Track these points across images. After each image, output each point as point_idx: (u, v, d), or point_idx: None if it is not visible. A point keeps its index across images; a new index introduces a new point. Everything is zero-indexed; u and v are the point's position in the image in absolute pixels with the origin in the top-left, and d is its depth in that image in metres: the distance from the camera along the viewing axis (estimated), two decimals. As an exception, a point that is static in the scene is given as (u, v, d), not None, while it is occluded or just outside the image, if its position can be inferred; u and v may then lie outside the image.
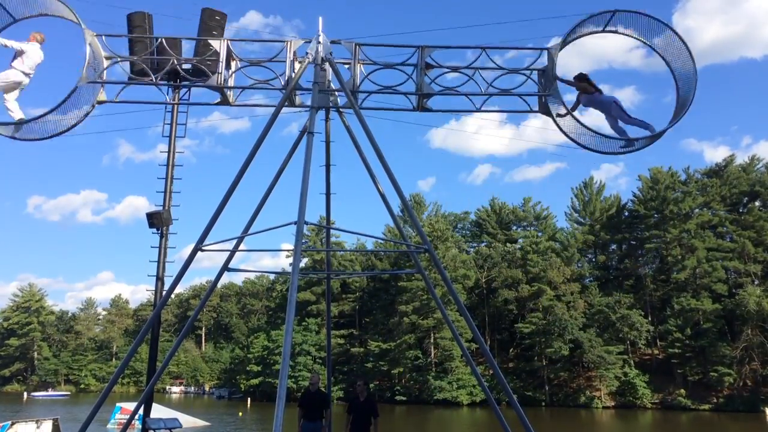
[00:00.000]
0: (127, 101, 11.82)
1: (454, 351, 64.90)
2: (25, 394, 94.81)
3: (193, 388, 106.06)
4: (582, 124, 11.09)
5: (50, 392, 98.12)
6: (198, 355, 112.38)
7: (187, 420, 33.26)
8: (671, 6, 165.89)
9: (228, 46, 11.68)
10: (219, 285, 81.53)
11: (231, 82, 11.65)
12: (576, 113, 11.25)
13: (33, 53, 10.82)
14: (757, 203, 67.06)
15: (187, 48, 14.80)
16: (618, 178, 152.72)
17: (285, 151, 12.66)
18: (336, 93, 12.26)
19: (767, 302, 56.50)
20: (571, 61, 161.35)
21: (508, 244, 76.41)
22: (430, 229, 71.09)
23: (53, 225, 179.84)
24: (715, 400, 57.94)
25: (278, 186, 12.62)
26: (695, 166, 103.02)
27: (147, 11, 14.50)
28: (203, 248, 11.12)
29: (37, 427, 28.07)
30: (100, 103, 11.60)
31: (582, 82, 11.17)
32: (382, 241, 76.23)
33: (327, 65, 11.68)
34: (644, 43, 11.92)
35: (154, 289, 14.68)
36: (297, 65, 11.58)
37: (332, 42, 11.79)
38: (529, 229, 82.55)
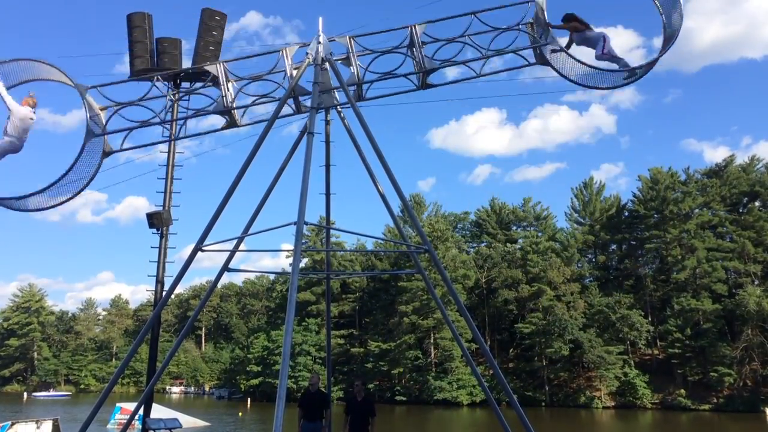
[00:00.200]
0: (133, 147, 11.88)
1: (454, 351, 64.89)
2: (25, 394, 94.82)
3: (193, 388, 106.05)
4: (580, 61, 11.28)
5: (51, 392, 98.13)
6: (198, 356, 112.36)
7: (187, 420, 33.27)
8: (671, 6, 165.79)
9: (225, 69, 11.70)
10: (219, 285, 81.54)
11: (235, 103, 11.70)
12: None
13: (22, 115, 10.43)
14: (757, 203, 67.05)
15: (187, 48, 14.84)
16: (618, 179, 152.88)
17: (285, 151, 12.68)
18: (334, 91, 12.31)
19: (767, 302, 56.50)
20: (571, 61, 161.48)
21: (508, 245, 76.41)
22: (430, 230, 71.09)
23: (53, 225, 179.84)
24: (715, 401, 57.91)
25: (278, 186, 12.64)
26: (695, 166, 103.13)
27: (147, 12, 14.52)
28: (203, 248, 11.13)
29: (37, 428, 28.10)
30: (108, 155, 11.57)
31: (572, 22, 11.35)
32: (382, 242, 76.20)
33: (327, 65, 11.71)
34: None
35: (154, 289, 14.69)
36: (295, 72, 11.62)
37: (328, 40, 11.84)
38: (529, 229, 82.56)
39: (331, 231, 24.42)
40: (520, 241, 78.34)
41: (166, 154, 15.21)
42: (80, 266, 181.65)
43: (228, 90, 11.57)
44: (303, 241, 10.47)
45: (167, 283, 14.22)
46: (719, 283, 61.37)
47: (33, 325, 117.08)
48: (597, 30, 11.42)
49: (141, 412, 13.70)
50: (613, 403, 61.46)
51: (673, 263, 64.93)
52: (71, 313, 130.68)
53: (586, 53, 11.41)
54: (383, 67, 11.91)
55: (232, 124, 11.87)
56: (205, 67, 11.96)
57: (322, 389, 14.16)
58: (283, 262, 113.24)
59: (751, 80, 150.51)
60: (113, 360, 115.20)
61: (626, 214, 73.84)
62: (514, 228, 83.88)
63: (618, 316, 61.95)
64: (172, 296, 16.21)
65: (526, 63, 11.82)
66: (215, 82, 11.64)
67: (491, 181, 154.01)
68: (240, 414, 57.56)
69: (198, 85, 12.61)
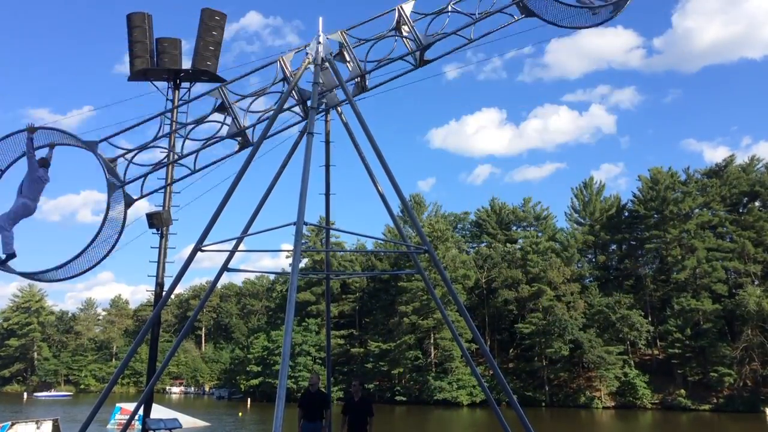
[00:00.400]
0: (152, 192, 12.11)
1: (454, 351, 64.86)
2: (25, 394, 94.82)
3: (193, 388, 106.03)
4: (560, 1, 11.52)
5: (53, 392, 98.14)
6: (198, 356, 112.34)
7: (187, 420, 33.27)
8: (671, 6, 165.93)
9: (226, 94, 11.76)
10: (219, 285, 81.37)
11: (246, 122, 11.79)
12: None
13: (37, 176, 10.82)
14: (757, 203, 67.05)
15: (187, 48, 14.84)
16: (618, 179, 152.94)
17: (285, 151, 12.70)
18: (335, 90, 12.37)
19: (767, 302, 56.49)
20: (570, 62, 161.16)
21: (508, 245, 76.40)
22: (429, 230, 71.08)
23: (53, 225, 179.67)
24: (715, 401, 57.90)
25: (278, 186, 12.65)
26: (695, 166, 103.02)
27: (147, 12, 14.51)
28: (203, 248, 11.13)
29: (37, 428, 28.12)
30: (130, 205, 11.61)
31: None
32: (381, 242, 76.09)
33: (327, 65, 11.73)
34: None
35: (153, 289, 14.67)
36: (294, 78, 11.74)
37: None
38: (529, 229, 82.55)
39: (331, 231, 24.42)
40: (520, 241, 78.34)
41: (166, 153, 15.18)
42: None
43: (235, 113, 11.69)
44: (303, 241, 10.47)
45: (167, 284, 14.20)
46: (719, 283, 61.37)
47: (33, 325, 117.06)
48: None
49: (141, 412, 13.67)
50: (613, 403, 61.45)
51: (673, 263, 64.93)
52: (71, 313, 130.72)
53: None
54: (380, 55, 12.16)
55: (245, 144, 11.96)
56: (208, 96, 12.03)
57: (322, 389, 14.15)
58: (283, 262, 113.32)
59: (751, 80, 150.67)
60: (113, 360, 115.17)
61: (626, 214, 73.84)
62: (514, 228, 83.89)
63: (618, 316, 61.94)
64: (172, 296, 16.21)
65: (513, 19, 11.99)
66: (221, 107, 11.71)
67: (491, 181, 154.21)
68: (240, 414, 57.55)
69: (207, 112, 12.59)
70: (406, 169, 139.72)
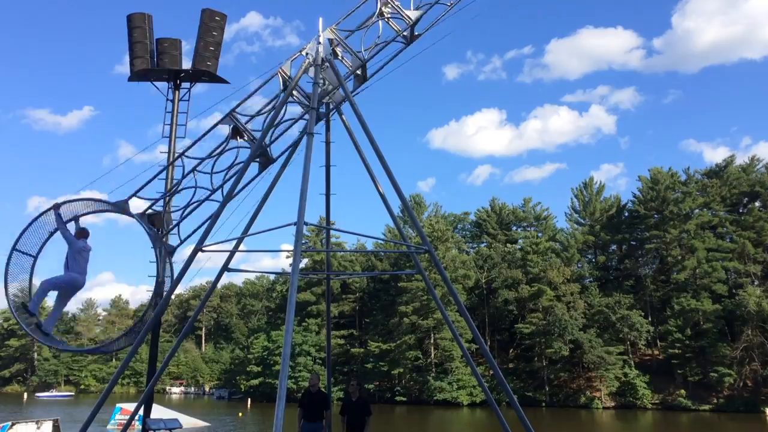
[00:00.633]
0: (191, 234, 12.28)
1: (454, 351, 64.84)
2: (25, 395, 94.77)
3: (193, 388, 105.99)
4: None
5: (54, 393, 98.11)
6: (198, 356, 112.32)
7: (187, 420, 33.27)
8: (670, 7, 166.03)
9: (237, 119, 11.87)
10: (219, 285, 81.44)
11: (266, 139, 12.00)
12: None
13: (79, 248, 11.27)
14: (757, 204, 67.06)
15: (187, 49, 14.83)
16: (618, 179, 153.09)
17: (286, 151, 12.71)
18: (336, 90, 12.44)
19: (767, 302, 56.47)
20: (571, 62, 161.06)
21: (508, 245, 76.40)
22: (430, 230, 71.05)
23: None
24: (715, 401, 57.90)
25: (278, 186, 12.66)
26: (695, 166, 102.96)
27: (147, 12, 14.50)
28: (203, 249, 11.13)
29: (38, 428, 28.08)
30: (172, 254, 12.07)
31: None
32: (382, 242, 76.25)
33: (327, 65, 11.75)
34: None
35: (153, 289, 14.66)
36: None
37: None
38: (529, 229, 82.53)
39: (331, 231, 24.42)
40: (520, 241, 78.33)
41: (167, 154, 15.19)
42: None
43: (252, 134, 11.82)
44: (303, 241, 10.47)
45: (167, 284, 14.21)
46: (719, 284, 61.37)
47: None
48: None
49: (141, 412, 13.68)
50: (613, 403, 61.44)
51: (673, 263, 64.93)
52: (71, 314, 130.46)
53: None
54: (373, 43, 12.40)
55: (268, 162, 12.10)
56: (221, 129, 12.26)
57: (323, 390, 14.15)
58: (283, 262, 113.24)
59: (750, 81, 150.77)
60: (113, 360, 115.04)
61: (626, 214, 73.85)
62: (514, 228, 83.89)
63: (618, 317, 61.93)
64: (172, 296, 16.23)
65: None
66: (235, 133, 11.80)
67: (491, 181, 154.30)
68: (240, 414, 57.52)
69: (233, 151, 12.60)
70: (406, 169, 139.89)
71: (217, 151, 12.17)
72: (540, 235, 77.55)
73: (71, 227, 11.80)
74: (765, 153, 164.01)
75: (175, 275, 11.76)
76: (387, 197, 12.82)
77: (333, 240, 64.02)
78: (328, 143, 13.79)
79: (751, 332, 57.69)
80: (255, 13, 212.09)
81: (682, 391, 59.64)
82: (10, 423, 28.21)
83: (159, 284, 12.25)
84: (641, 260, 71.52)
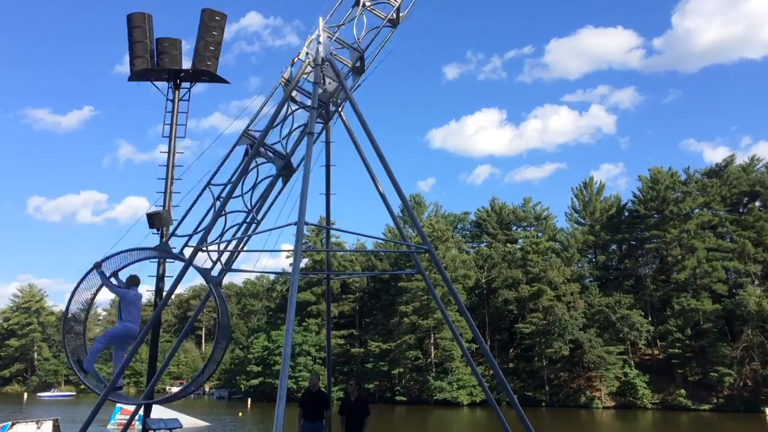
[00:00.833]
0: (232, 263, 12.38)
1: (454, 351, 64.84)
2: (25, 394, 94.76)
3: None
4: None
5: (56, 393, 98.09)
6: (198, 356, 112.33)
7: (187, 420, 33.26)
8: (670, 7, 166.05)
9: (252, 135, 11.95)
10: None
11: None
12: None
13: (130, 299, 11.39)
14: (757, 203, 67.07)
15: (187, 48, 14.84)
16: (618, 179, 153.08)
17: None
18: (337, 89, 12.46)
19: (767, 302, 56.47)
20: (571, 62, 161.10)
21: (508, 245, 76.40)
22: (430, 230, 71.05)
23: (53, 225, 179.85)
24: (715, 401, 57.91)
25: (278, 186, 12.65)
26: (695, 166, 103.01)
27: (147, 12, 14.50)
28: (203, 249, 11.13)
29: (38, 428, 28.08)
30: (218, 286, 12.17)
31: None
32: (382, 242, 76.25)
33: (327, 64, 11.75)
34: None
35: (154, 289, 14.66)
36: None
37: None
38: (529, 229, 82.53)
39: (332, 231, 24.43)
40: (520, 241, 78.34)
41: (167, 154, 15.19)
42: (80, 266, 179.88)
43: (274, 149, 11.91)
44: (303, 241, 10.46)
45: (167, 284, 14.21)
46: (719, 283, 61.37)
47: (33, 325, 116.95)
48: None
49: (141, 412, 13.69)
50: (613, 403, 61.45)
51: (673, 263, 64.93)
52: (72, 314, 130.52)
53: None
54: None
55: (290, 173, 12.16)
56: (238, 148, 12.30)
57: (323, 389, 14.16)
58: (283, 262, 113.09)
59: (750, 80, 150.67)
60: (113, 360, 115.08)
61: (626, 214, 73.86)
62: (515, 228, 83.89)
63: (618, 316, 61.93)
64: (172, 296, 16.25)
65: None
66: (251, 148, 11.84)
67: (491, 181, 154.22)
68: (240, 414, 57.51)
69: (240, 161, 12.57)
70: (406, 169, 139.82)
71: (238, 171, 12.08)
72: (540, 234, 77.54)
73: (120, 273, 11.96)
74: (765, 152, 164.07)
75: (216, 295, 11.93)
76: (387, 197, 12.83)
77: (333, 240, 64.05)
78: (328, 143, 13.79)
79: (751, 332, 57.70)
80: (255, 13, 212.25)
81: (682, 391, 59.65)
82: (10, 423, 28.20)
83: (159, 284, 12.21)
84: (641, 260, 71.54)
